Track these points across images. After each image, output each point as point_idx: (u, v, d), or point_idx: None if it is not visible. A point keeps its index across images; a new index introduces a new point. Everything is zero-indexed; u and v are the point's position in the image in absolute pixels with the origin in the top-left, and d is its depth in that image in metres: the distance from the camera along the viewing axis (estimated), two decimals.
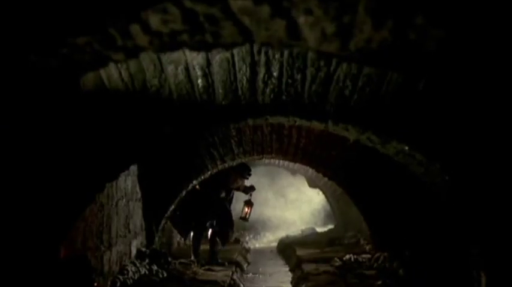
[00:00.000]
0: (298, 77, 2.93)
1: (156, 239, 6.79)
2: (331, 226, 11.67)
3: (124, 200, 5.52)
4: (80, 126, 2.85)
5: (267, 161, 10.62)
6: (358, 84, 2.93)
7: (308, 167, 10.29)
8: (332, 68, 2.89)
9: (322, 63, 2.86)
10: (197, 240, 7.19)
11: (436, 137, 2.99)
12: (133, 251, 5.98)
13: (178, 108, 3.02)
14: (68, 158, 2.85)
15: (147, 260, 6.10)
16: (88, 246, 4.23)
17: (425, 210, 5.48)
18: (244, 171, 7.11)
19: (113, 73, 2.86)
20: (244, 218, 7.73)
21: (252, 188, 7.40)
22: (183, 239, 9.83)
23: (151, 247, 6.42)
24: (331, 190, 10.46)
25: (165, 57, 2.87)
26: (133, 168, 5.94)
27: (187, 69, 2.91)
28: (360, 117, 3.04)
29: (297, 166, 10.60)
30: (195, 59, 2.90)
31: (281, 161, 10.63)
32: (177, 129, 3.13)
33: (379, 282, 5.50)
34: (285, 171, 11.45)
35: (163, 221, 6.88)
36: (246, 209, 7.59)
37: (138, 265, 5.80)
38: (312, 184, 11.57)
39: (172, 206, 6.92)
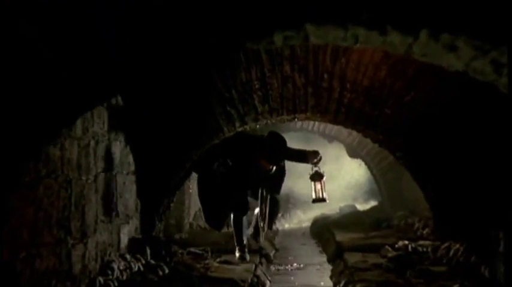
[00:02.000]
0: None
1: (158, 223, 5.60)
2: (374, 203, 10.76)
3: (108, 173, 4.31)
4: None
5: (298, 125, 9.45)
6: None
7: (349, 133, 9.33)
8: None
9: None
10: (238, 223, 5.91)
11: None
12: (124, 241, 4.81)
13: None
14: None
15: (144, 253, 4.93)
16: (42, 241, 3.04)
17: None
18: (273, 152, 5.41)
19: None
20: (320, 199, 5.70)
21: (316, 153, 5.54)
22: (204, 222, 8.83)
23: (150, 234, 5.23)
24: (376, 161, 9.30)
25: None
26: (121, 136, 4.72)
27: None
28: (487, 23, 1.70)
29: (335, 131, 9.47)
30: None
31: (315, 126, 9.48)
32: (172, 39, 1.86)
33: (456, 286, 4.23)
34: (320, 138, 10.26)
35: (166, 200, 5.69)
36: (318, 186, 5.63)
37: (129, 259, 4.64)
38: (353, 154, 10.51)
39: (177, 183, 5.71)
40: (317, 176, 5.55)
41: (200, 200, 5.75)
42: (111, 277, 4.11)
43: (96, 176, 4.06)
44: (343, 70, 5.18)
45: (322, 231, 8.95)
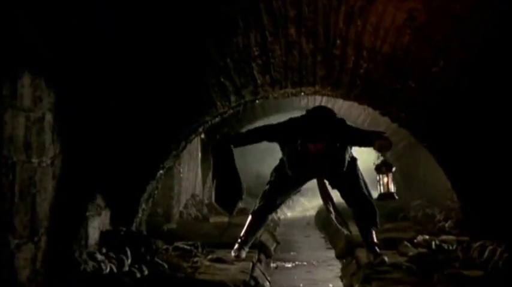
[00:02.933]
0: None
1: (138, 214, 4.93)
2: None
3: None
4: None
5: (303, 103, 8.80)
6: None
7: (360, 112, 8.67)
8: None
9: None
10: (261, 220, 5.24)
11: None
12: (94, 236, 4.12)
13: None
14: None
15: (119, 250, 4.23)
16: None
17: None
18: (315, 126, 4.70)
19: None
20: (388, 195, 4.84)
21: (385, 139, 4.64)
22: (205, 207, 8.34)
23: (128, 227, 4.53)
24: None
25: None
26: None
27: None
28: None
29: (344, 109, 8.76)
30: None
31: (323, 103, 8.73)
32: None
33: None
34: None
35: (150, 187, 5.01)
36: (385, 179, 4.76)
37: (99, 258, 3.95)
38: None
39: (164, 166, 5.04)
40: (384, 167, 4.72)
41: (215, 175, 4.94)
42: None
43: (53, 159, 3.33)
44: (358, 35, 4.56)
45: (329, 222, 8.20)
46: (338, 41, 4.62)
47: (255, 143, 5.11)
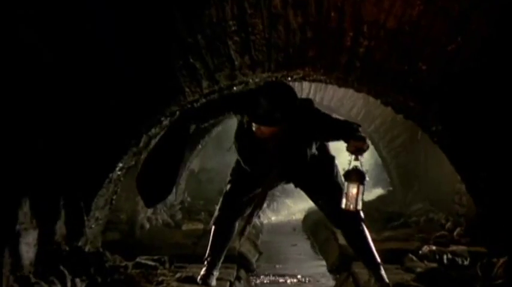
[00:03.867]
0: None
1: (92, 225, 4.32)
2: (382, 191, 10.04)
3: None
4: None
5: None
6: None
7: (353, 103, 8.32)
8: None
9: None
10: (227, 228, 4.53)
11: None
12: (29, 254, 3.41)
13: None
14: None
15: (61, 272, 3.54)
16: None
17: None
18: (266, 104, 3.92)
19: None
20: (351, 210, 3.98)
21: (361, 139, 3.91)
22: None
23: (73, 242, 3.85)
24: (387, 139, 8.67)
25: None
26: None
27: None
28: None
29: (336, 99, 8.34)
30: None
31: (311, 92, 8.28)
32: None
33: None
34: None
35: (104, 192, 4.47)
36: (353, 190, 3.93)
37: (33, 281, 3.24)
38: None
39: (122, 166, 4.48)
40: (355, 176, 3.95)
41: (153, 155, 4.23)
42: None
43: None
44: (358, 6, 4.02)
45: (319, 228, 7.87)
46: (332, 14, 4.08)
47: (215, 116, 4.52)
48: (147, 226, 6.74)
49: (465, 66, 4.02)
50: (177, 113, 4.48)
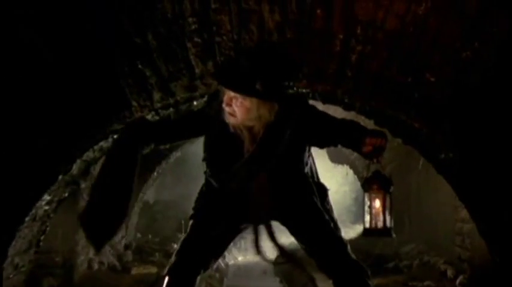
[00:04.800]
0: None
1: (10, 274, 3.93)
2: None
3: None
4: None
5: None
6: None
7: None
8: None
9: None
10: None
11: None
12: None
13: None
14: None
15: None
16: None
17: None
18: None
19: None
20: (378, 231, 3.53)
21: (378, 133, 3.37)
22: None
23: None
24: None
25: None
26: None
27: None
28: None
29: None
30: None
31: None
32: None
33: None
34: None
35: (26, 233, 3.96)
36: (376, 203, 3.49)
37: None
38: (337, 157, 9.61)
39: (50, 198, 3.99)
40: (378, 183, 3.48)
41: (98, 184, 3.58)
42: None
43: None
44: (349, 1, 3.66)
45: (294, 272, 7.33)
46: (318, 11, 3.67)
47: (178, 134, 3.77)
48: (89, 269, 6.27)
49: (483, 77, 3.65)
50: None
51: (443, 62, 3.68)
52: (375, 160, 3.37)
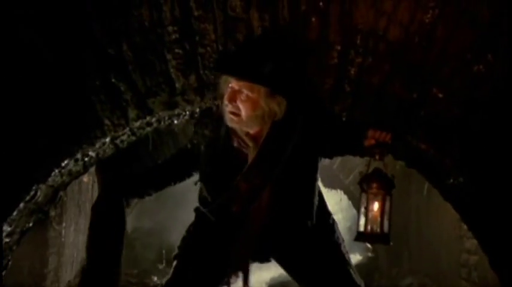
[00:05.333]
0: None
1: None
2: (360, 258, 9.77)
3: None
4: None
5: None
6: None
7: None
8: None
9: None
10: None
11: None
12: None
13: None
14: None
15: None
16: None
17: None
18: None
19: None
20: (377, 237, 3.49)
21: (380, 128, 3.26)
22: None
23: None
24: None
25: None
26: None
27: None
28: None
29: None
30: None
31: None
32: None
33: None
34: None
35: None
36: (374, 206, 3.38)
37: None
38: (330, 182, 9.56)
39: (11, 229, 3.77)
40: (378, 182, 3.42)
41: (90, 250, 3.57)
42: None
43: None
44: (348, 8, 3.57)
45: None
46: (313, 18, 3.58)
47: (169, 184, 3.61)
48: None
49: (497, 93, 3.56)
50: (93, 155, 3.84)
51: (453, 76, 3.59)
52: (376, 157, 3.24)
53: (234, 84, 3.02)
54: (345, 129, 3.43)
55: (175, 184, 3.59)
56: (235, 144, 3.16)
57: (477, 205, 3.79)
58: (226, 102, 3.05)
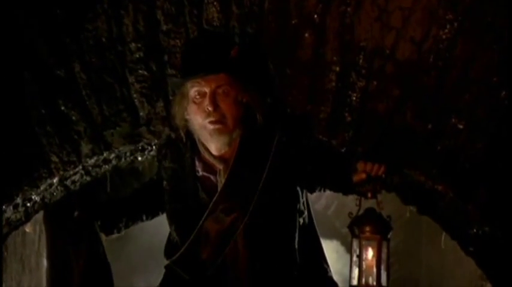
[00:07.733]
0: None
1: None
2: None
3: None
4: None
5: None
6: None
7: (319, 193, 7.86)
8: None
9: None
10: None
11: None
12: None
13: None
14: None
15: None
16: None
17: None
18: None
19: None
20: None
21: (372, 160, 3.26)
22: None
23: None
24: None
25: None
26: None
27: None
28: None
29: None
30: None
31: None
32: None
33: None
34: None
35: None
36: (369, 252, 3.64)
37: None
38: (325, 231, 8.76)
39: None
40: (372, 225, 3.57)
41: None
42: None
43: None
44: (348, 22, 3.67)
45: None
46: (306, 34, 3.68)
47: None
48: None
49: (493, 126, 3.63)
50: (37, 200, 3.84)
51: (475, 104, 3.62)
52: (369, 195, 3.17)
53: (204, 87, 3.05)
54: (329, 157, 3.39)
55: (147, 218, 3.59)
56: (201, 171, 3.14)
57: (506, 261, 3.75)
58: (208, 109, 3.03)
